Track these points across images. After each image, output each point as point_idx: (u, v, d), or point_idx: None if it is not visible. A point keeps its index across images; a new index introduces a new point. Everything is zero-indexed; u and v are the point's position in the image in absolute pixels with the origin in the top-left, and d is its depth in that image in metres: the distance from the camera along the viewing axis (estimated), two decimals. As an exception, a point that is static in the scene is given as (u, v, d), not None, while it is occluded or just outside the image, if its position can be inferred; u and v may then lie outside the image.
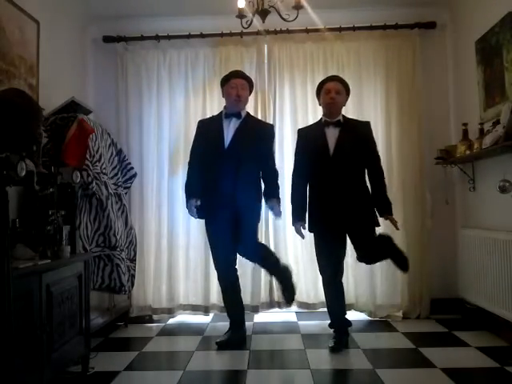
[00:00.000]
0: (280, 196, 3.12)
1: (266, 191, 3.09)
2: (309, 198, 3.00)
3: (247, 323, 3.18)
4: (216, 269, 3.14)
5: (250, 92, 3.21)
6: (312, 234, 3.04)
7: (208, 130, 3.12)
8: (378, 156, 3.01)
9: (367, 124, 3.05)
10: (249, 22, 2.93)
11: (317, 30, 3.77)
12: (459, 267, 3.61)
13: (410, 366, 2.64)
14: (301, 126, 3.78)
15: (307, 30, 3.77)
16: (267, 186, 3.09)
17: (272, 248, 3.75)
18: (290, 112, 3.83)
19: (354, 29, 3.77)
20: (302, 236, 3.03)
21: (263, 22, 2.93)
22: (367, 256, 2.96)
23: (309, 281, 3.72)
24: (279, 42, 3.84)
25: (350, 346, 2.94)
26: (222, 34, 3.83)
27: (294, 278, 3.09)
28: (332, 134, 2.92)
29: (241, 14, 2.89)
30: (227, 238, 3.01)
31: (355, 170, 2.90)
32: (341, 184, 2.85)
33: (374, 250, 2.92)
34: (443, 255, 3.73)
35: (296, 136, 3.07)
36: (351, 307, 3.65)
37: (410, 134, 3.70)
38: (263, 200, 3.11)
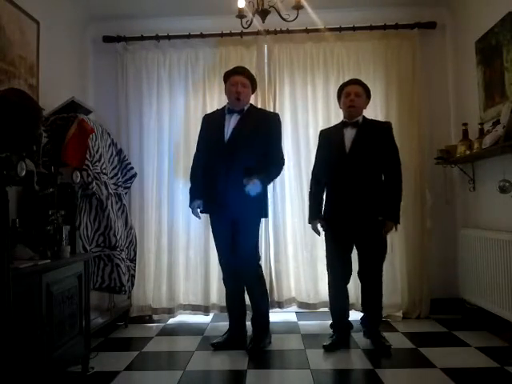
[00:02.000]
0: (265, 183, 2.89)
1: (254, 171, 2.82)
2: (325, 196, 3.02)
3: (247, 323, 3.16)
4: (222, 269, 3.11)
5: (254, 89, 3.11)
6: (314, 234, 3.07)
7: (210, 124, 3.07)
8: (397, 159, 2.94)
9: (386, 124, 3.02)
10: (249, 22, 2.93)
11: (317, 30, 3.77)
12: (459, 267, 3.61)
13: (410, 366, 2.64)
14: (300, 126, 3.80)
15: (307, 30, 3.77)
16: (258, 168, 2.83)
17: (272, 248, 3.75)
18: (289, 112, 3.83)
19: (353, 29, 3.77)
20: (319, 233, 3.05)
21: (263, 22, 2.92)
22: (367, 269, 2.90)
23: (309, 281, 3.72)
24: (279, 42, 3.84)
25: (350, 346, 2.94)
26: (221, 34, 3.83)
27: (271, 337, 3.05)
28: (349, 134, 2.93)
29: (241, 14, 2.88)
30: (228, 240, 2.95)
31: (371, 171, 2.87)
32: (355, 183, 2.84)
33: (376, 263, 2.89)
34: (443, 255, 3.73)
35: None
36: (351, 307, 3.63)
37: (410, 134, 3.69)
38: (267, 197, 3.03)
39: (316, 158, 3.14)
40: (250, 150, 2.87)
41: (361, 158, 2.86)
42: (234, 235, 2.93)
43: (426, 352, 2.80)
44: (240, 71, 3.05)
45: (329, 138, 3.05)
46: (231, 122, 2.97)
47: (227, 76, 3.06)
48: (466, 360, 2.67)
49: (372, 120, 3.10)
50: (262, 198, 2.95)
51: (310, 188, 3.13)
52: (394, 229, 2.90)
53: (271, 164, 2.94)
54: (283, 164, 3.04)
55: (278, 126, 3.04)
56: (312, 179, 3.13)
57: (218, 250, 3.07)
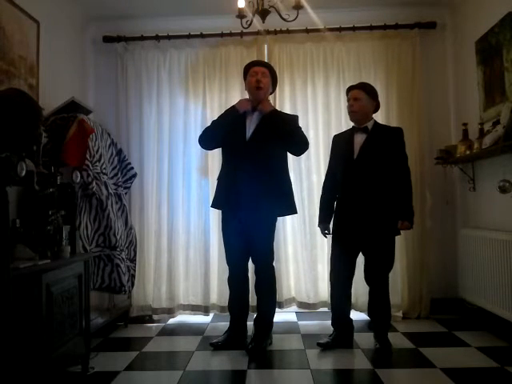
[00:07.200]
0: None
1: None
2: (336, 201, 3.02)
3: (249, 323, 3.16)
4: (229, 268, 3.07)
5: (275, 84, 3.07)
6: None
7: (235, 124, 3.01)
8: (405, 164, 2.89)
9: (397, 130, 2.98)
10: (249, 22, 2.92)
11: (317, 30, 3.77)
12: (459, 267, 3.61)
13: (410, 366, 2.64)
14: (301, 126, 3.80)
15: (307, 30, 3.77)
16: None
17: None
18: (289, 112, 3.82)
19: (353, 29, 3.77)
20: (325, 236, 3.09)
21: (263, 22, 2.92)
22: (373, 276, 2.88)
23: (309, 281, 3.72)
24: (279, 42, 3.84)
25: (352, 347, 2.93)
26: (222, 34, 3.83)
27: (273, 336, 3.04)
28: (359, 140, 2.91)
29: (241, 14, 2.88)
30: (240, 239, 2.91)
31: (378, 178, 2.83)
32: (363, 190, 2.82)
33: (383, 271, 2.86)
34: (443, 255, 3.73)
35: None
36: (351, 307, 3.65)
37: (410, 134, 3.68)
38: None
39: (328, 165, 3.14)
40: (272, 151, 2.85)
41: (368, 165, 2.84)
42: (248, 235, 2.89)
43: (426, 352, 2.80)
44: (259, 62, 3.06)
45: (339, 144, 3.05)
46: (253, 121, 2.94)
47: (247, 69, 3.02)
48: (466, 360, 2.67)
49: (383, 125, 3.07)
50: (280, 195, 2.89)
51: (321, 194, 3.12)
52: (410, 227, 2.88)
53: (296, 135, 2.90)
54: (307, 143, 2.96)
55: (299, 127, 3.01)
56: (323, 185, 3.12)
57: (226, 248, 3.01)
